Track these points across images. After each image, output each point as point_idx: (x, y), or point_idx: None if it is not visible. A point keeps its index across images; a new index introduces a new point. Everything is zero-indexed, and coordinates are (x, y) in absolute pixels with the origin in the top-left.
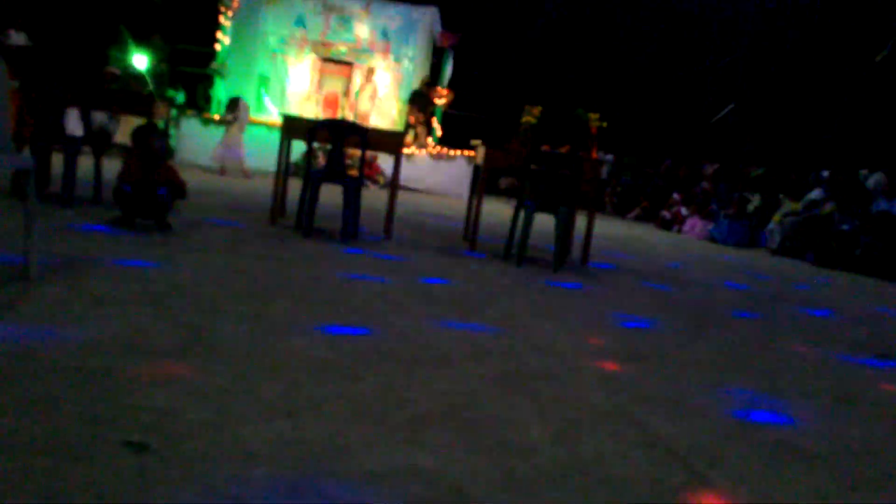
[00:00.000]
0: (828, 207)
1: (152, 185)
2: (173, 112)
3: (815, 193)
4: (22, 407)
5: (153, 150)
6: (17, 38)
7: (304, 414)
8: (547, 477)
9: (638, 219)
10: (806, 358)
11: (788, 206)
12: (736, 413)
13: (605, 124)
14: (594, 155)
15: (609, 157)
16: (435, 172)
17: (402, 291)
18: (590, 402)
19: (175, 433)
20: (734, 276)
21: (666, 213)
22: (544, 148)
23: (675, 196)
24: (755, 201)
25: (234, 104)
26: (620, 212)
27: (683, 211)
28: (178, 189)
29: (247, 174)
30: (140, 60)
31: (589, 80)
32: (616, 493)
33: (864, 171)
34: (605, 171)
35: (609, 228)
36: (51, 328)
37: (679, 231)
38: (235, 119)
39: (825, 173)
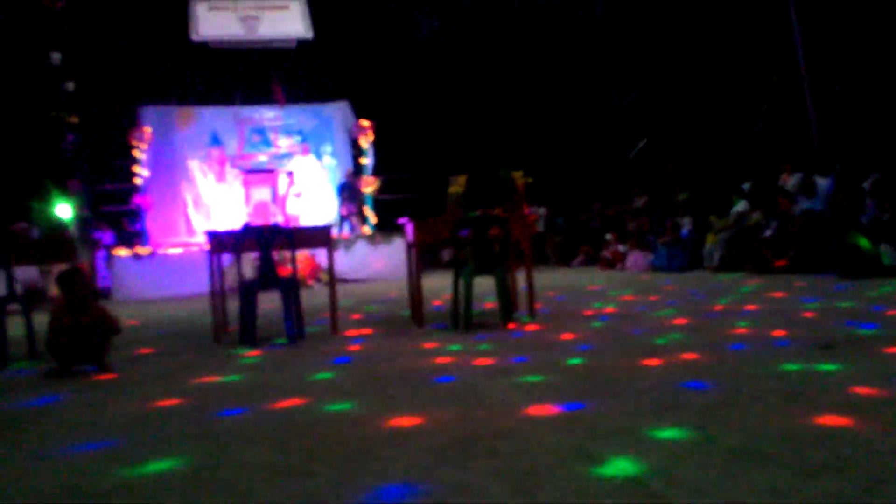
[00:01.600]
0: (754, 217)
1: (84, 329)
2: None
3: (741, 206)
4: None
5: (80, 294)
6: None
7: None
8: None
9: (582, 264)
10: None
11: (718, 223)
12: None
13: (530, 180)
14: (526, 211)
15: (542, 210)
16: (375, 259)
17: (351, 381)
18: (545, 448)
19: None
20: (673, 298)
21: (606, 254)
22: (478, 213)
23: (609, 236)
24: (686, 225)
25: None
26: (564, 260)
27: (621, 248)
28: (110, 327)
29: None
30: (63, 209)
31: (508, 140)
32: None
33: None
34: (540, 224)
35: (554, 279)
36: None
37: (623, 268)
38: None
39: (746, 186)
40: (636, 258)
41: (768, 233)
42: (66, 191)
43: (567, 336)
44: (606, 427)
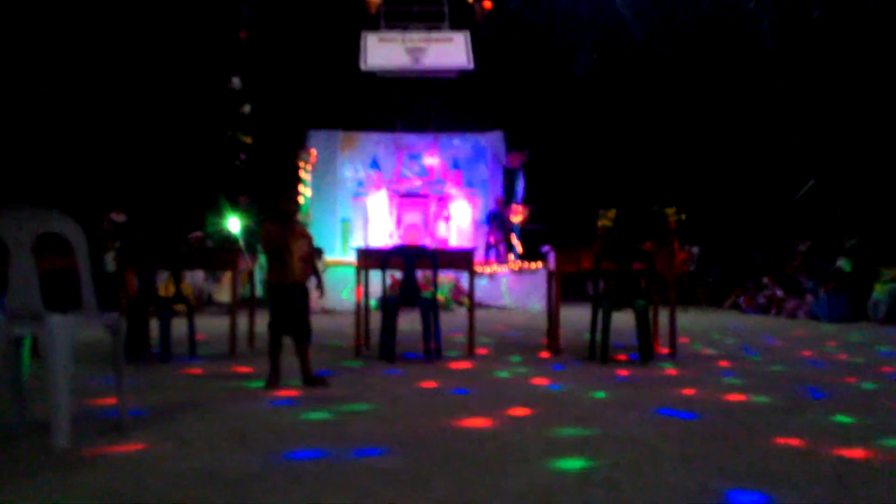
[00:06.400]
0: None
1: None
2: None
3: None
4: None
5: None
6: (118, 219)
7: None
8: None
9: (734, 307)
10: None
11: (886, 273)
12: None
13: (683, 217)
14: (676, 248)
15: (695, 248)
16: (518, 288)
17: (480, 399)
18: (670, 484)
19: None
20: (825, 352)
21: (761, 298)
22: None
23: (765, 280)
24: (845, 266)
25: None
26: (715, 302)
27: (779, 293)
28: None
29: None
30: (233, 223)
31: (663, 176)
32: None
33: None
34: (692, 263)
35: (702, 320)
36: (136, 471)
37: (777, 314)
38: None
39: None
40: (794, 304)
41: None
42: (236, 205)
43: (702, 378)
44: (730, 467)
